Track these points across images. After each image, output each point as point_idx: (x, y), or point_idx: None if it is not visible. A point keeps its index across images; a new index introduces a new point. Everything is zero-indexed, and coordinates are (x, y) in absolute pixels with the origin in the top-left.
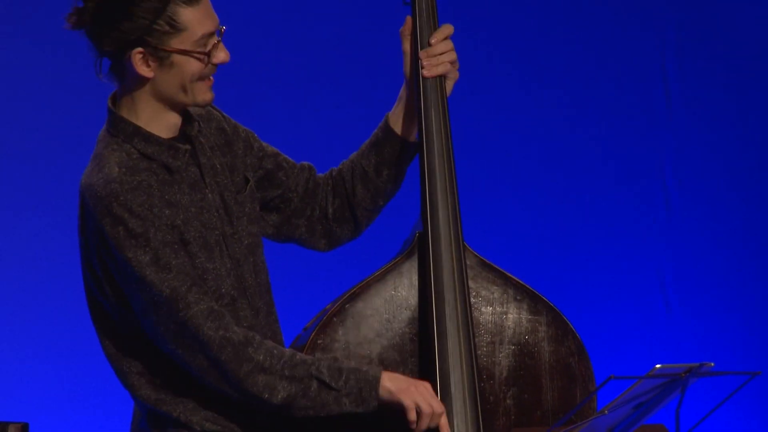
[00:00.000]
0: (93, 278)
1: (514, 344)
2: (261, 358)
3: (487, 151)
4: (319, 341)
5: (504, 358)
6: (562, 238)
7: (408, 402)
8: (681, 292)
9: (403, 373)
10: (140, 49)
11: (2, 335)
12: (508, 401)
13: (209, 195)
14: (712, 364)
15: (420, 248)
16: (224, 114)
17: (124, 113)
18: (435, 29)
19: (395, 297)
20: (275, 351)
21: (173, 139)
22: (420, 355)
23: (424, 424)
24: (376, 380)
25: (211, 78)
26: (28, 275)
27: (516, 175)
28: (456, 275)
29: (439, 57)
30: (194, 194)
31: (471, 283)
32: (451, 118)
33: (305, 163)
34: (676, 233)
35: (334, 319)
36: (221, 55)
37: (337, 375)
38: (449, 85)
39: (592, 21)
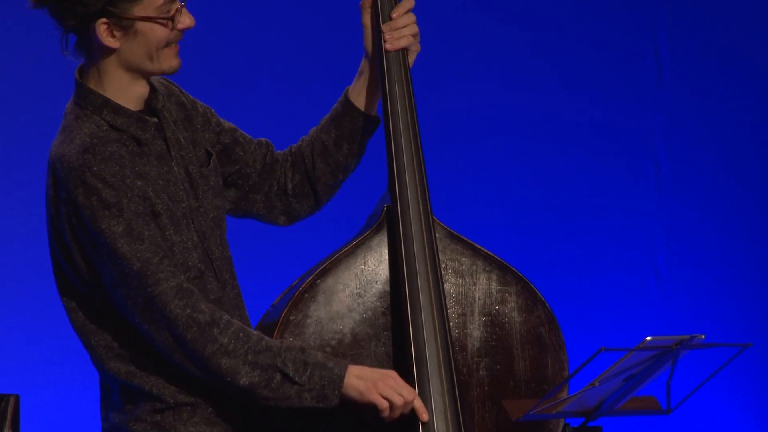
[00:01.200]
0: (62, 251)
1: (484, 315)
2: (226, 340)
3: (475, 130)
4: (291, 317)
5: (475, 329)
6: (556, 214)
7: (379, 400)
8: (672, 265)
9: (376, 347)
10: (104, 19)
11: None
12: (481, 372)
13: (175, 168)
14: (703, 336)
15: (389, 222)
16: (182, 89)
17: (92, 85)
18: (396, 2)
19: (365, 271)
20: (241, 334)
21: (140, 111)
22: (393, 328)
23: (397, 414)
24: (340, 379)
25: (177, 45)
26: (19, 248)
27: (507, 154)
28: (426, 247)
29: (401, 30)
30: (161, 167)
31: (440, 255)
32: (437, 88)
33: (263, 138)
34: (668, 208)
35: (306, 295)
36: (185, 20)
37: (302, 369)
38: (411, 58)
39: (587, 2)
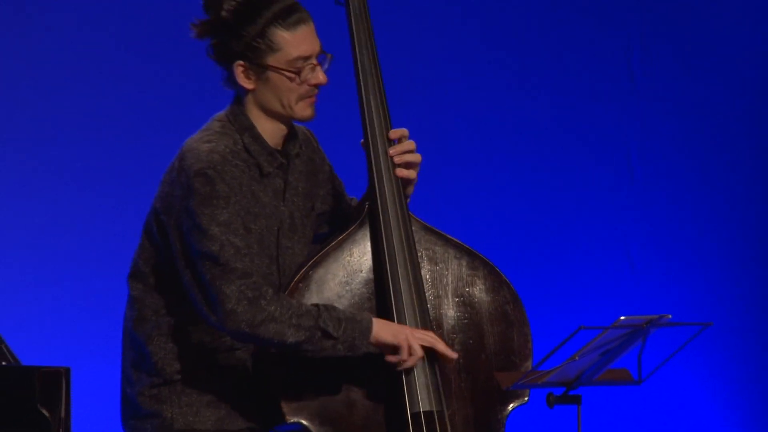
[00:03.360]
0: (158, 225)
1: (457, 296)
2: (272, 308)
3: (466, 132)
4: None
5: (449, 309)
6: (541, 209)
7: (392, 357)
8: (644, 253)
9: None
10: (241, 62)
11: (45, 281)
12: (456, 347)
13: (283, 208)
14: (670, 316)
15: (370, 218)
16: (318, 143)
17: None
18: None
19: (351, 262)
20: (284, 302)
21: (275, 149)
22: (378, 311)
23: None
24: (368, 330)
25: (313, 96)
26: (75, 227)
27: (496, 154)
28: (404, 239)
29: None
30: (273, 200)
31: (416, 246)
32: (427, 95)
33: (352, 200)
34: (640, 203)
35: (300, 284)
36: (318, 77)
37: (337, 325)
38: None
39: (566, 16)
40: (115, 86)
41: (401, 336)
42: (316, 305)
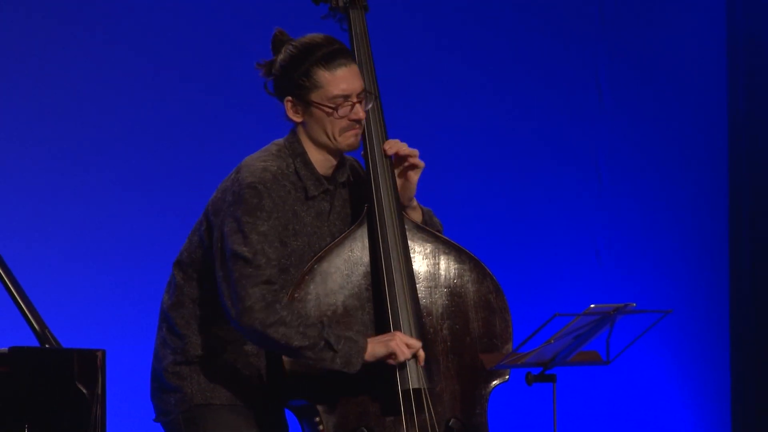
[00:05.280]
0: (207, 225)
1: (446, 287)
2: (285, 314)
3: (454, 142)
4: (296, 294)
5: (439, 298)
6: (520, 209)
7: (392, 360)
8: (610, 248)
9: (362, 315)
10: (290, 97)
11: (82, 264)
12: (444, 332)
13: (325, 228)
14: (634, 304)
15: (369, 218)
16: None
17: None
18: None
19: (352, 257)
20: (295, 311)
21: (324, 175)
22: (374, 300)
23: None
24: (363, 349)
25: (356, 128)
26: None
27: (482, 161)
28: (398, 237)
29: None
30: (316, 220)
31: (409, 243)
32: (418, 108)
33: None
34: (606, 204)
35: (306, 277)
36: (358, 113)
37: (338, 340)
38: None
39: (542, 39)
40: (152, 93)
41: (392, 344)
42: (321, 321)
